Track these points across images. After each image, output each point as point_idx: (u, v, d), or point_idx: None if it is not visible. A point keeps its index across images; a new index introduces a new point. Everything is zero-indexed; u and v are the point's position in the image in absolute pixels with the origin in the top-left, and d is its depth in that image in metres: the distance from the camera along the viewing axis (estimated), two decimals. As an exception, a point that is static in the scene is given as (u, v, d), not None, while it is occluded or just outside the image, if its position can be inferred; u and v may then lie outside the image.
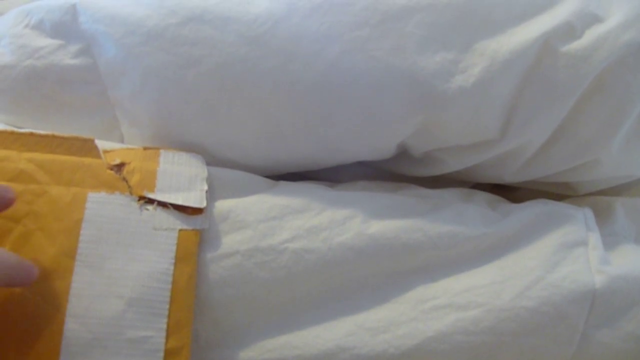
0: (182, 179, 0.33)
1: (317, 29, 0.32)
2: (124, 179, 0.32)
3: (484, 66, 0.32)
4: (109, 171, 0.32)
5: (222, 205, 0.33)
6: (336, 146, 0.35)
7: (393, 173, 0.41)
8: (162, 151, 0.33)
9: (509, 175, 0.38)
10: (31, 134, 0.32)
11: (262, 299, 0.32)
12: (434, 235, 0.33)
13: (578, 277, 0.32)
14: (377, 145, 0.35)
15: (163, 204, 0.31)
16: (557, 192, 0.40)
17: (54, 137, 0.32)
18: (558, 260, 0.33)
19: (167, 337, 0.29)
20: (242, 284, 0.31)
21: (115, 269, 0.30)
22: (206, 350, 0.32)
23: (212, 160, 0.35)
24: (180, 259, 0.31)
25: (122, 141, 0.36)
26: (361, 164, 0.40)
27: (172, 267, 0.30)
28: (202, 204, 0.32)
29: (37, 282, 0.28)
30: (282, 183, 0.36)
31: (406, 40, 0.32)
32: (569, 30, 0.32)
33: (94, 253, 0.30)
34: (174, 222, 0.31)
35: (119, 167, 0.32)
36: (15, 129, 0.33)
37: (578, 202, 0.38)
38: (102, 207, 0.31)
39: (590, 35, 0.32)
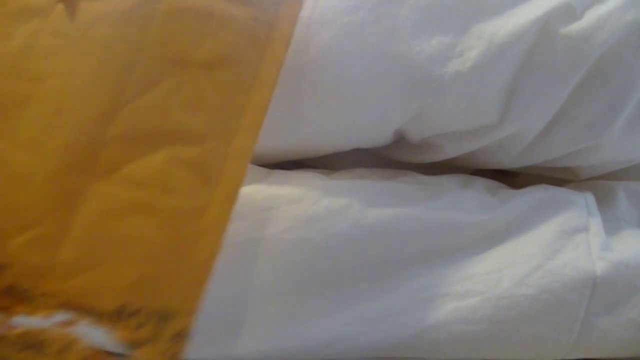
0: None
1: (309, 14, 0.31)
2: None
3: (481, 50, 0.31)
4: None
5: (217, 196, 0.33)
6: (331, 133, 0.35)
7: (391, 160, 0.40)
8: None
9: (509, 161, 0.37)
10: None
11: (258, 290, 0.32)
12: (432, 223, 0.33)
13: (578, 264, 0.32)
14: (374, 132, 0.35)
15: None
16: (558, 177, 0.40)
17: None
18: (558, 247, 0.33)
19: None
20: (237, 276, 0.31)
21: None
22: (203, 343, 0.31)
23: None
24: None
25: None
26: (359, 151, 0.39)
27: None
28: None
29: None
30: (277, 172, 0.36)
31: (401, 24, 0.31)
32: (568, 11, 0.31)
33: None
34: None
35: None
36: None
37: (579, 187, 0.38)
38: None
39: (591, 16, 0.31)
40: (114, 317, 0.24)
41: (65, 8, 0.25)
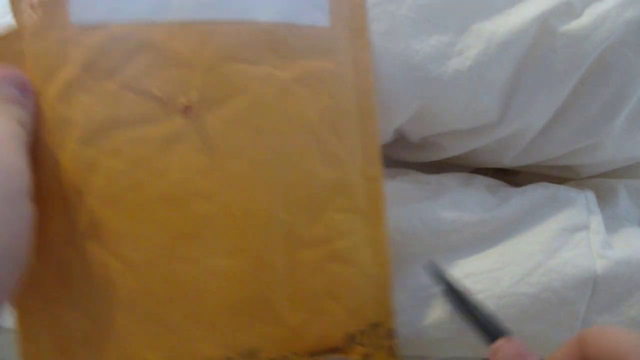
0: None
1: None
2: None
3: (480, 48, 0.31)
4: None
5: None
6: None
7: (392, 159, 0.40)
8: None
9: (510, 159, 0.37)
10: None
11: None
12: (432, 222, 0.33)
13: (579, 262, 0.32)
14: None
15: None
16: (559, 175, 0.39)
17: None
18: (559, 246, 0.32)
19: None
20: None
21: None
22: None
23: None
24: None
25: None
26: (359, 151, 0.39)
27: None
28: None
29: None
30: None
31: (400, 23, 0.31)
32: (568, 9, 0.31)
33: None
34: None
35: None
36: None
37: (580, 185, 0.38)
38: None
39: (590, 13, 0.31)
40: (346, 345, 0.30)
41: (196, 128, 0.27)
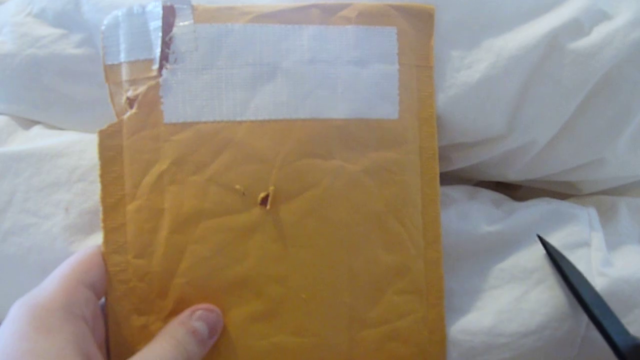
0: None
1: None
2: None
3: (489, 62, 0.32)
4: None
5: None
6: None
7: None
8: None
9: (514, 173, 0.37)
10: None
11: None
12: None
13: None
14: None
15: None
16: (560, 191, 0.40)
17: None
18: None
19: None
20: None
21: None
22: None
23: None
24: None
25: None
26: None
27: None
28: None
29: None
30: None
31: None
32: (576, 27, 0.32)
33: None
34: None
35: None
36: None
37: (582, 201, 0.38)
38: None
39: (599, 32, 0.32)
40: None
41: (272, 220, 0.29)
